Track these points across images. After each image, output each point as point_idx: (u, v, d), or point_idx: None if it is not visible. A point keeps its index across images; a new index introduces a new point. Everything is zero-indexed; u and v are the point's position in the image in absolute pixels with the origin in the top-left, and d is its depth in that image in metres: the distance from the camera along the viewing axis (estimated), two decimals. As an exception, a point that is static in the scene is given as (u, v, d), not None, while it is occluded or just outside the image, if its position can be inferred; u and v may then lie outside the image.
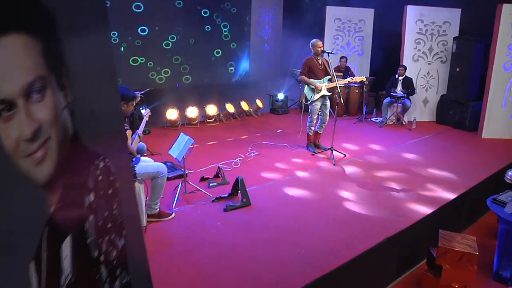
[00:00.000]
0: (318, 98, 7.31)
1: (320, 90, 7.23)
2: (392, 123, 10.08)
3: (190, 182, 5.72)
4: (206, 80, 10.78)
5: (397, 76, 9.97)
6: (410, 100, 9.98)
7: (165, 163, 5.82)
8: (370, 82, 10.92)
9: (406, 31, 10.17)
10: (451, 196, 5.80)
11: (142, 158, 4.69)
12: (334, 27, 11.49)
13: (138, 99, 6.29)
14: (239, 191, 5.34)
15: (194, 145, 6.41)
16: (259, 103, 10.50)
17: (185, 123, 9.47)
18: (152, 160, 5.05)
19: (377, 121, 10.33)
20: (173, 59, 10.07)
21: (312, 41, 7.36)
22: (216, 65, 10.96)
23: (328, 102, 7.51)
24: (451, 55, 9.95)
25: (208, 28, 10.52)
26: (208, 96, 10.00)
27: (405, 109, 9.96)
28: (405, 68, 9.89)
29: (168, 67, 10.02)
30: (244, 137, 8.72)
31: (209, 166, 6.69)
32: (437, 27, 10.15)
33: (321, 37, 11.38)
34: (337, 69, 10.78)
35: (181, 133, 5.92)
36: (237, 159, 7.16)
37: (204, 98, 9.85)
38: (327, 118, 7.60)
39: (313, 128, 7.62)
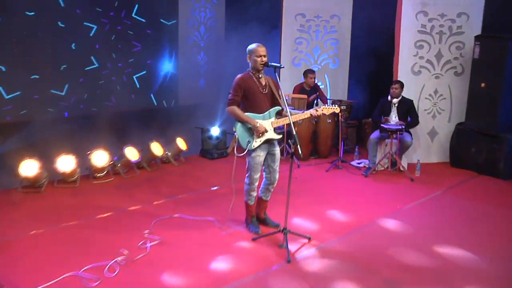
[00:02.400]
0: (261, 145, 4.89)
1: (263, 132, 4.82)
2: (383, 169, 7.53)
3: None
4: (95, 108, 7.98)
5: (389, 98, 7.39)
6: (411, 134, 7.40)
7: None
8: (349, 107, 8.21)
9: (402, 29, 7.60)
10: None
11: None
12: (295, 27, 9.00)
13: None
14: None
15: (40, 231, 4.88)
16: (180, 143, 7.59)
17: (56, 180, 6.42)
18: None
19: (360, 165, 7.84)
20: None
21: (249, 48, 4.91)
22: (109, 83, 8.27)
23: (277, 151, 5.09)
24: (472, 64, 7.56)
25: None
26: (95, 134, 7.07)
27: (403, 148, 7.36)
28: (401, 86, 7.29)
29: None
30: (146, 205, 5.81)
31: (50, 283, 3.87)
32: (448, 21, 7.65)
33: (279, 41, 8.86)
34: (299, 89, 8.26)
35: None
36: (118, 258, 4.29)
37: (88, 138, 6.91)
38: (277, 175, 5.14)
39: (254, 194, 5.16)
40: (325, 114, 5.04)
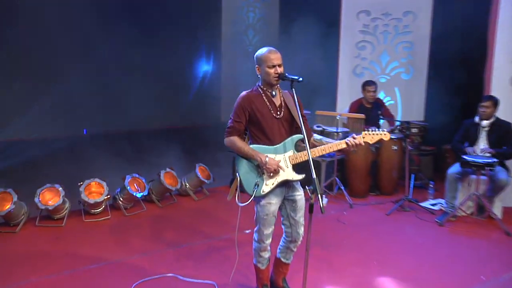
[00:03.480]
0: (275, 189, 3.62)
1: (276, 171, 3.55)
2: (467, 215, 5.86)
3: None
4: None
5: (477, 119, 5.71)
6: (507, 170, 5.59)
7: None
8: (422, 129, 6.58)
9: (498, 29, 5.88)
10: None
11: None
12: (356, 28, 7.61)
13: None
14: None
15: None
16: (201, 173, 6.38)
17: (38, 217, 5.32)
18: None
19: (435, 208, 6.18)
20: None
21: (257, 54, 3.68)
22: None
23: (299, 196, 3.75)
24: None
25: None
26: (92, 158, 6.07)
27: (496, 188, 5.58)
28: (494, 104, 5.60)
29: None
30: (138, 256, 4.57)
31: None
32: None
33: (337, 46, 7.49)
34: (356, 106, 6.83)
35: None
36: None
37: (83, 163, 5.94)
38: (301, 230, 3.81)
39: (266, 255, 3.88)
40: (368, 144, 3.65)
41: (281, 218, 3.76)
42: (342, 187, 6.32)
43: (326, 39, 7.73)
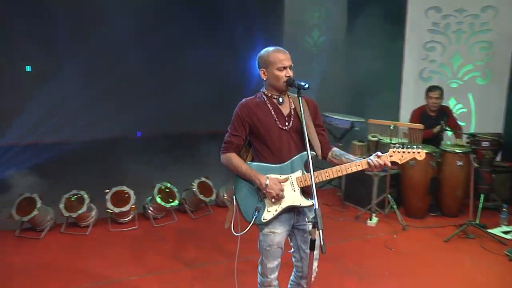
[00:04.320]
0: (279, 215, 3.04)
1: (279, 195, 2.97)
2: None
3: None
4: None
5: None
6: None
7: None
8: (494, 143, 5.63)
9: None
10: None
11: None
12: (424, 26, 6.73)
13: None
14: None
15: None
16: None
17: (64, 224, 5.15)
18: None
19: (507, 237, 5.16)
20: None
21: (262, 54, 3.09)
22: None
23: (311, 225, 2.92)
24: None
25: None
26: (124, 164, 5.85)
27: None
28: None
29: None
30: (148, 275, 4.22)
31: None
32: None
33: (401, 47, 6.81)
34: (418, 115, 6.01)
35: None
36: None
37: (114, 169, 5.74)
38: (316, 265, 3.20)
39: None
40: (396, 164, 2.99)
41: (292, 250, 3.19)
42: (395, 206, 5.53)
43: (390, 39, 6.98)
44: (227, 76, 8.11)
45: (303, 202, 2.96)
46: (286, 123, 3.03)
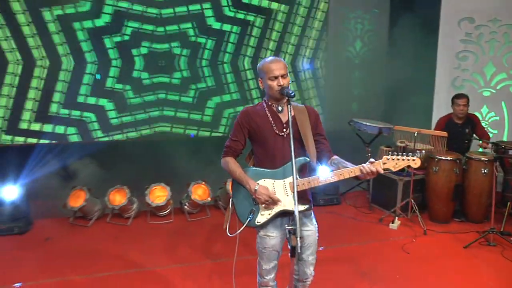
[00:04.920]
0: (273, 219, 3.16)
1: (268, 201, 3.07)
2: None
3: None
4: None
5: None
6: None
7: None
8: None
9: None
10: None
11: None
12: (459, 35, 6.79)
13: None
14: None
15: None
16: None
17: (110, 214, 5.81)
18: None
19: None
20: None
21: (259, 66, 3.22)
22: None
23: (309, 231, 3.25)
24: None
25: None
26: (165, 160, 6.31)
27: None
28: None
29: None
30: (173, 266, 4.65)
31: None
32: None
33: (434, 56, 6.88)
34: (444, 123, 6.13)
35: None
36: None
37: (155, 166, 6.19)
38: (309, 269, 3.32)
39: None
40: (389, 171, 3.03)
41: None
42: (417, 210, 5.64)
43: (424, 49, 7.10)
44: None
45: (295, 207, 2.86)
46: (284, 129, 3.14)
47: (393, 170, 3.00)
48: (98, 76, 6.60)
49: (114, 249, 5.02)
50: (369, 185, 6.61)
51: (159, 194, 5.74)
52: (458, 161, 5.70)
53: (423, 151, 5.95)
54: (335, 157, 3.22)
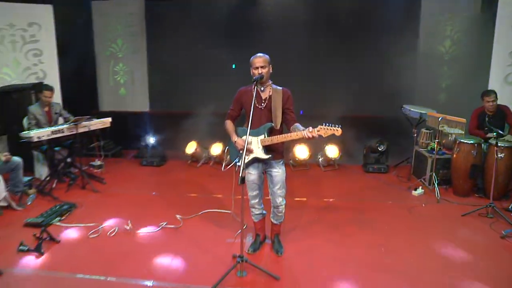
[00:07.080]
0: (252, 163, 4.59)
1: (242, 149, 4.32)
2: None
3: None
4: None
5: None
6: None
7: None
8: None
9: None
10: None
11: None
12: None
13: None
14: None
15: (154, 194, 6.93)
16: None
17: (212, 160, 8.43)
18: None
19: None
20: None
21: (250, 59, 4.55)
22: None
23: (276, 172, 4.59)
24: None
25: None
26: None
27: None
28: None
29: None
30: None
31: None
32: None
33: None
34: (477, 114, 6.93)
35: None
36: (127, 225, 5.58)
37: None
38: (279, 199, 4.67)
39: (256, 212, 4.89)
40: (321, 137, 4.05)
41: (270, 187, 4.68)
42: (436, 182, 6.57)
43: (478, 47, 7.70)
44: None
45: (262, 155, 4.43)
46: (263, 103, 4.46)
47: (324, 136, 4.02)
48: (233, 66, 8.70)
49: (206, 181, 7.40)
50: (412, 160, 7.58)
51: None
52: (476, 144, 6.40)
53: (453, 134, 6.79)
54: (296, 124, 4.35)
